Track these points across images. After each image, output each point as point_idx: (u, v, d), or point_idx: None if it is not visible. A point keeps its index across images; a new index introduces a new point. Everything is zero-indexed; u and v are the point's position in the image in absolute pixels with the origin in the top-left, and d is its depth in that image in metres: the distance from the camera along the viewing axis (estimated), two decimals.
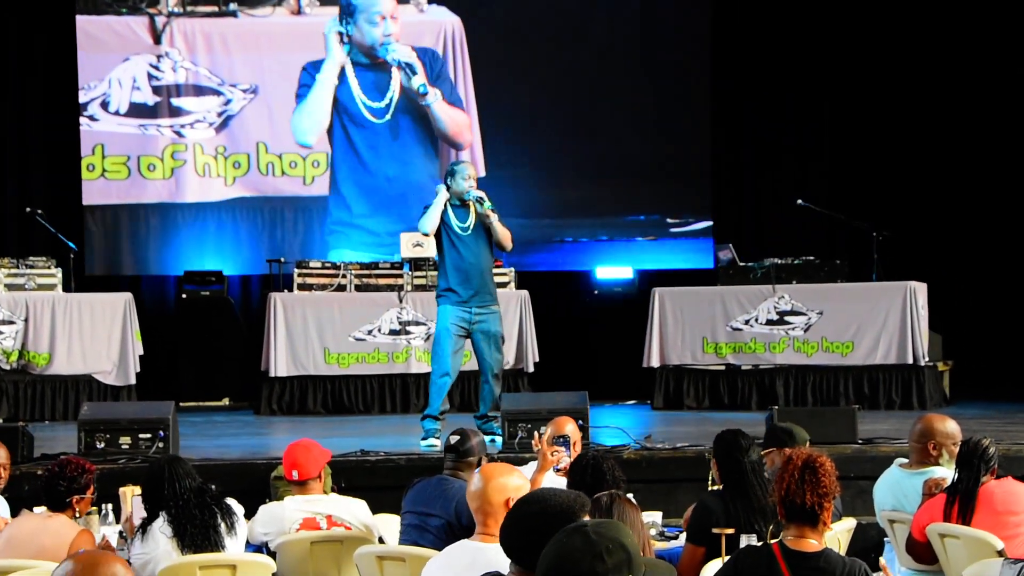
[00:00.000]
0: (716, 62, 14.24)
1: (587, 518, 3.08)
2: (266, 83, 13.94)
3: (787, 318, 11.61)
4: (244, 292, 13.95)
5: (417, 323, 11.90)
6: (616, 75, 14.23)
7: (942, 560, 5.49)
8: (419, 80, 13.48)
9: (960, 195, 13.80)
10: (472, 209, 9.09)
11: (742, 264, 11.96)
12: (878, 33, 14.07)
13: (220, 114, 13.90)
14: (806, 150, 14.34)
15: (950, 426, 6.02)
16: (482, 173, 13.62)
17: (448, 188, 9.14)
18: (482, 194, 9.04)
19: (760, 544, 4.37)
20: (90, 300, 11.68)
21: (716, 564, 4.89)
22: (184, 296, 13.05)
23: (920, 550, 5.58)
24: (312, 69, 13.82)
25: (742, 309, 11.70)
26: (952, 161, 13.89)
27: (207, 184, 13.89)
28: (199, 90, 13.90)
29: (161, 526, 5.39)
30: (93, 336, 11.54)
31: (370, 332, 11.93)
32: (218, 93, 13.91)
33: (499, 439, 8.84)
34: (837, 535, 5.60)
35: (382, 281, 12.20)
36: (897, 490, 6.04)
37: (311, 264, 12.35)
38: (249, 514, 5.97)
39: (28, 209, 12.47)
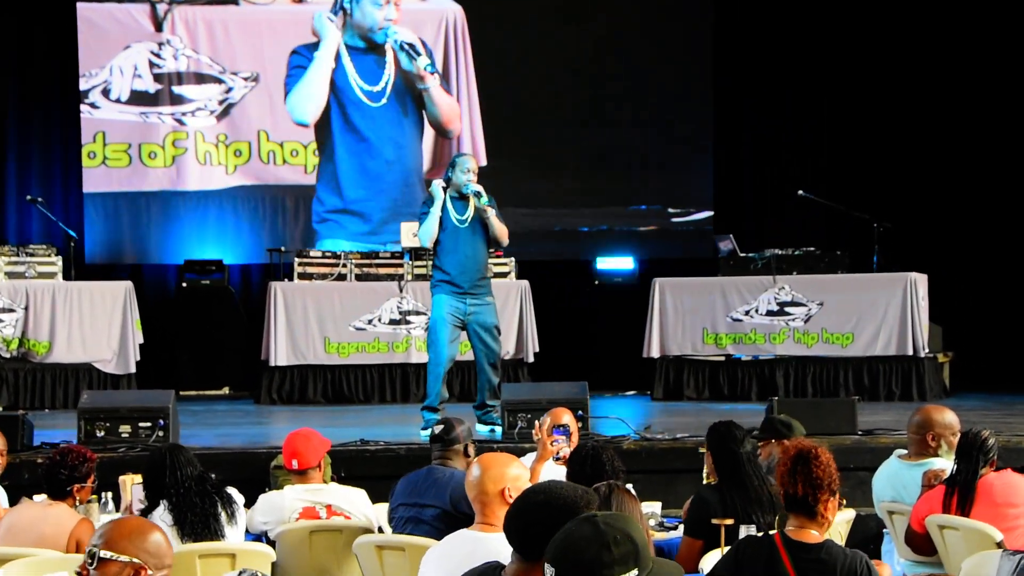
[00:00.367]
0: (718, 51, 14.23)
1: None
2: (267, 71, 13.93)
3: (787, 309, 11.61)
4: (244, 281, 13.96)
5: (417, 313, 11.90)
6: (618, 64, 14.22)
7: (941, 552, 5.50)
8: (425, 61, 13.42)
9: (961, 187, 13.79)
10: (471, 202, 9.09)
11: (743, 255, 11.95)
12: (880, 25, 14.05)
13: (221, 102, 13.89)
14: (807, 141, 14.33)
15: (948, 417, 6.03)
16: (483, 163, 13.62)
17: (448, 180, 9.14)
18: (480, 188, 9.03)
19: (762, 534, 4.37)
20: (90, 288, 11.67)
21: (715, 556, 4.90)
22: (184, 285, 13.05)
23: (919, 541, 5.59)
24: (305, 51, 13.78)
25: (742, 300, 11.70)
26: (952, 153, 13.88)
27: (208, 172, 13.88)
28: (200, 78, 13.89)
29: (161, 514, 5.40)
30: (93, 324, 11.54)
31: (370, 321, 11.93)
32: (219, 81, 13.90)
33: (499, 429, 8.87)
34: (836, 526, 5.61)
35: (382, 270, 12.19)
36: (896, 481, 6.05)
37: (311, 253, 12.35)
38: (249, 503, 5.98)
39: (28, 197, 12.47)
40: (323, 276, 12.11)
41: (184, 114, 13.83)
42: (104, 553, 3.23)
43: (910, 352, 11.34)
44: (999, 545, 5.18)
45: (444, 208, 9.07)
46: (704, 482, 5.93)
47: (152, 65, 13.79)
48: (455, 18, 14.13)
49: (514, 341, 11.86)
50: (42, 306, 11.42)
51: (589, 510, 3.08)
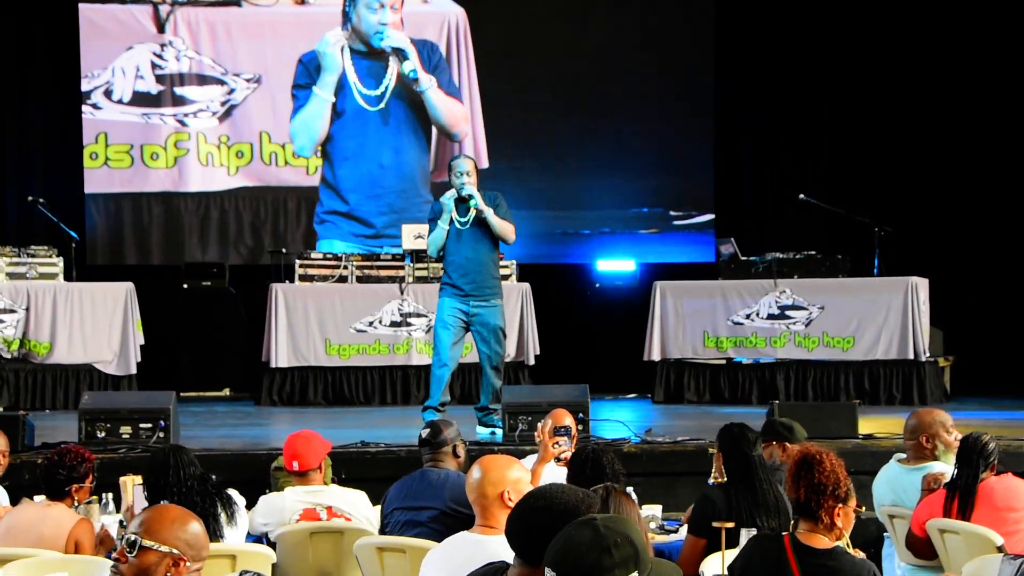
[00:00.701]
0: (719, 54, 14.23)
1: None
2: (270, 73, 13.94)
3: (788, 313, 11.61)
4: (246, 282, 13.94)
5: (418, 315, 11.91)
6: (620, 68, 14.22)
7: (941, 556, 5.50)
8: (410, 65, 13.45)
9: (962, 191, 13.79)
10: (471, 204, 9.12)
11: (744, 258, 11.96)
12: (880, 28, 14.05)
13: (223, 103, 13.90)
14: (808, 144, 14.33)
15: (939, 416, 6.05)
16: (484, 165, 13.63)
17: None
18: (472, 191, 9.04)
19: (773, 534, 4.39)
20: (91, 289, 11.68)
21: (715, 559, 4.89)
22: (185, 286, 13.05)
23: (920, 545, 5.59)
24: (309, 64, 13.78)
25: (743, 303, 11.70)
26: (953, 156, 13.88)
27: (210, 173, 13.89)
28: (202, 79, 13.90)
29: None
30: (94, 325, 11.54)
31: (371, 323, 11.93)
32: (221, 82, 13.90)
33: (500, 431, 8.87)
34: None
35: (383, 272, 12.20)
36: (896, 485, 6.05)
37: (312, 255, 12.36)
38: (249, 505, 5.98)
39: (30, 198, 12.47)
40: (324, 278, 12.11)
41: (186, 115, 13.84)
42: (146, 542, 3.18)
43: (911, 356, 11.34)
44: (1000, 549, 5.18)
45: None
46: (711, 482, 5.92)
47: (154, 66, 13.79)
48: (457, 20, 14.13)
49: (515, 344, 11.85)
50: (43, 307, 11.42)
51: (590, 513, 3.08)
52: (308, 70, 13.81)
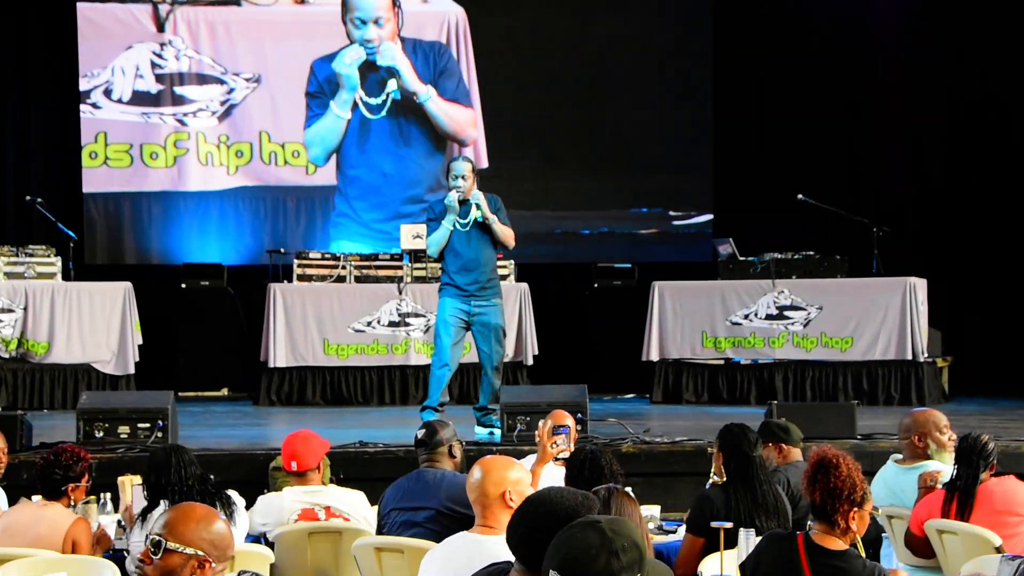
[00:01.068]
0: (718, 54, 14.23)
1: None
2: (269, 72, 13.93)
3: (786, 313, 11.61)
4: (244, 282, 13.93)
5: (416, 315, 11.90)
6: (619, 67, 14.22)
7: (940, 556, 5.50)
8: (393, 85, 13.60)
9: (961, 192, 13.78)
10: (471, 205, 9.12)
11: (742, 258, 11.95)
12: (880, 28, 14.06)
13: (223, 103, 13.90)
14: (807, 145, 14.31)
15: (932, 415, 6.09)
16: (484, 165, 13.64)
17: None
18: (479, 199, 9.04)
19: (787, 533, 4.41)
20: (90, 289, 11.67)
21: (713, 559, 4.90)
22: (184, 286, 13.04)
23: (918, 545, 5.59)
24: (324, 76, 13.79)
25: (742, 303, 11.70)
26: (952, 157, 13.88)
27: (209, 173, 13.89)
28: (202, 79, 13.89)
29: (162, 513, 5.38)
30: (92, 325, 11.53)
31: (369, 323, 11.93)
32: (221, 82, 13.90)
33: (498, 431, 8.87)
34: None
35: (382, 272, 12.20)
36: (893, 485, 6.07)
37: (311, 255, 12.35)
38: (248, 505, 5.97)
39: (28, 198, 12.46)
40: (322, 278, 12.11)
41: (186, 115, 13.84)
42: (170, 544, 3.16)
43: (909, 356, 11.34)
44: (998, 550, 5.18)
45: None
46: (710, 481, 5.92)
47: (154, 66, 13.79)
48: (457, 20, 14.13)
49: (513, 344, 11.85)
50: (41, 306, 11.42)
51: (591, 515, 3.08)
52: (320, 81, 13.82)
